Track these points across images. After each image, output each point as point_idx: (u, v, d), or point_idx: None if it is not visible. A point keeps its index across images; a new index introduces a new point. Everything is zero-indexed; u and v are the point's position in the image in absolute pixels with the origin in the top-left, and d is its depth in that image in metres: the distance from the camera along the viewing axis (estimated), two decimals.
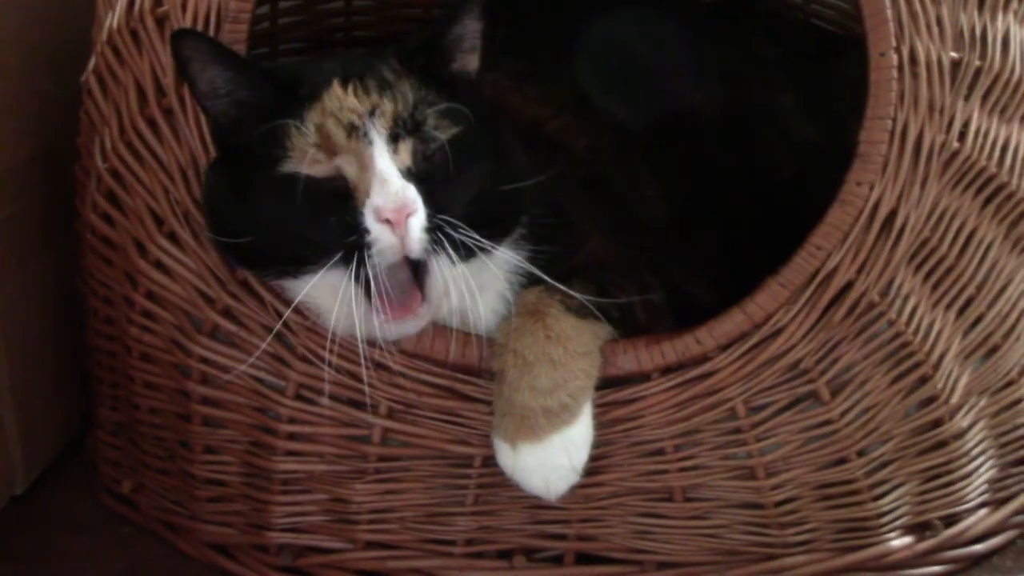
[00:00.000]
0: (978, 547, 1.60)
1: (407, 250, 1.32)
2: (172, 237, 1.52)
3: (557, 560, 1.55)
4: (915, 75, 1.45)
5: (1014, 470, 1.63)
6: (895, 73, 1.44)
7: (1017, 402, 1.60)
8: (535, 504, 1.51)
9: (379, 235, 1.31)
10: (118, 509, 1.72)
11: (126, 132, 1.54)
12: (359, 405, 1.50)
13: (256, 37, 1.61)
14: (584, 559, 1.55)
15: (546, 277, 1.42)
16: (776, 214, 1.69)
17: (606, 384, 1.48)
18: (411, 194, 1.32)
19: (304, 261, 1.35)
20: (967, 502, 1.60)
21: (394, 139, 1.33)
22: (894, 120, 1.44)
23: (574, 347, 1.43)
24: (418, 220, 1.32)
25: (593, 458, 1.47)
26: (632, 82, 1.72)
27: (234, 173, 1.39)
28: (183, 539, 1.65)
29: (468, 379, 1.48)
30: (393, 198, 1.31)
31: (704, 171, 1.72)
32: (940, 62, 1.46)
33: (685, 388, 1.48)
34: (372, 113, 1.33)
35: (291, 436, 1.53)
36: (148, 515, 1.68)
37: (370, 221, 1.32)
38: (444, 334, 1.45)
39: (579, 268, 1.48)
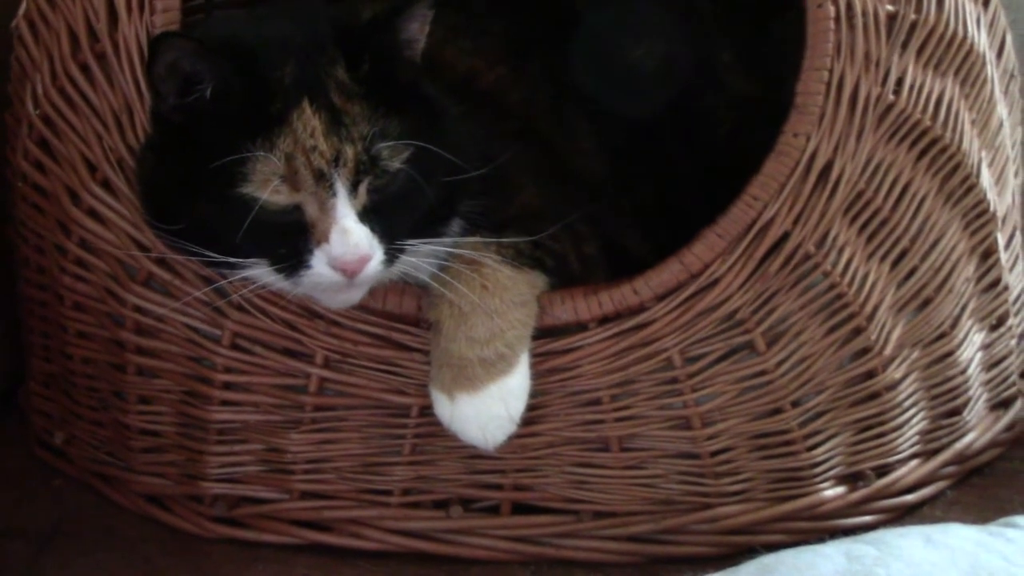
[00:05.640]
0: (909, 497, 1.62)
1: (355, 283, 1.34)
2: (106, 184, 1.50)
3: (494, 510, 1.56)
4: (852, 27, 1.45)
5: (945, 422, 1.65)
6: (832, 24, 1.44)
7: (949, 354, 1.62)
8: (472, 454, 1.51)
9: (328, 274, 1.33)
10: (50, 461, 1.71)
11: (58, 78, 1.51)
12: (295, 354, 1.50)
13: None
14: (520, 509, 1.56)
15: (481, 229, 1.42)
16: (713, 169, 1.69)
17: (543, 334, 1.48)
18: (369, 243, 1.32)
19: (240, 265, 1.35)
20: (899, 453, 1.62)
21: (355, 186, 1.33)
22: (831, 72, 1.45)
23: (510, 297, 1.44)
24: (374, 264, 1.33)
25: (530, 408, 1.47)
26: (571, 37, 1.72)
27: (177, 165, 1.36)
28: (117, 490, 1.63)
29: (405, 328, 1.47)
30: (353, 249, 1.32)
31: (642, 125, 1.72)
32: (876, 14, 1.46)
33: (622, 338, 1.48)
34: (336, 161, 1.32)
35: (226, 385, 1.53)
36: (81, 466, 1.67)
37: (321, 262, 1.32)
38: (380, 283, 1.44)
39: (513, 219, 1.48)
